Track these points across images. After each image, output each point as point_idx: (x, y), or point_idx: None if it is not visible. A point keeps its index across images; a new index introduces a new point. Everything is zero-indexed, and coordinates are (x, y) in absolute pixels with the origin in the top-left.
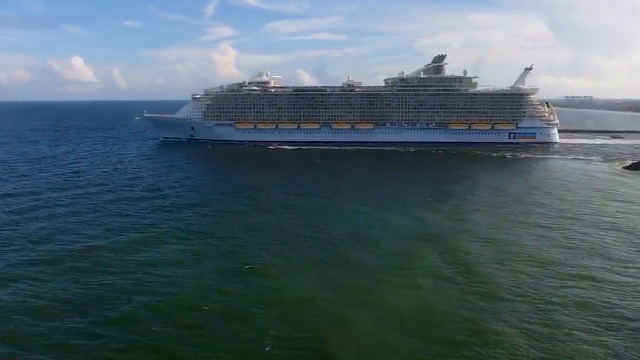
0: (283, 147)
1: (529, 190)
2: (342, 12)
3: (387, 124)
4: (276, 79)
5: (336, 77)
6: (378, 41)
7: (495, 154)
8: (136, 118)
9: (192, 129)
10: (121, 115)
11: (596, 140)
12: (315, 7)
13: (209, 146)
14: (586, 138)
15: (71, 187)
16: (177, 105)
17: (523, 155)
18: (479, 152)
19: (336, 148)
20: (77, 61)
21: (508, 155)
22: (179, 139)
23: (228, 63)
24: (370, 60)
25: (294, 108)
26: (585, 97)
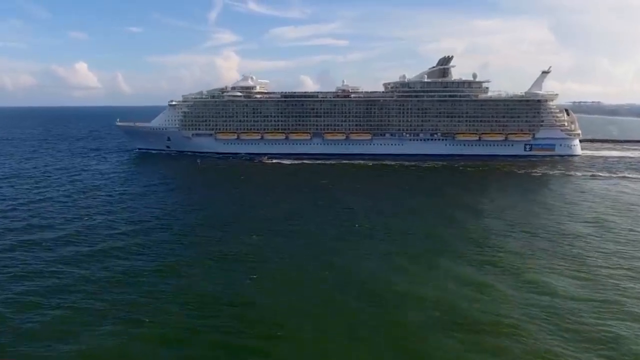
0: (278, 161)
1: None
2: (345, 18)
3: (387, 134)
4: (262, 84)
5: (341, 82)
6: (381, 47)
7: (534, 172)
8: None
9: (169, 139)
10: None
11: (626, 152)
12: (319, 13)
13: (199, 161)
14: (612, 149)
15: (10, 230)
16: None
17: (570, 172)
18: (514, 168)
19: (332, 161)
20: (81, 67)
21: (550, 172)
22: (159, 150)
23: (231, 69)
24: (374, 65)
25: (281, 116)
26: (593, 102)
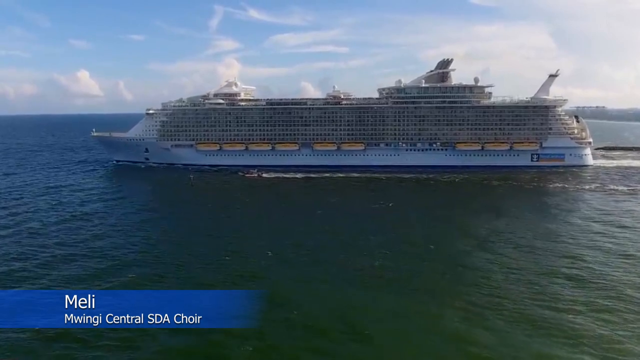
0: (275, 175)
1: None
2: (345, 25)
3: (381, 144)
4: (248, 90)
5: (341, 89)
6: (382, 53)
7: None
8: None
9: (146, 150)
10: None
11: None
12: (319, 20)
13: (191, 176)
14: (628, 158)
15: None
16: None
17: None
18: (544, 182)
19: (340, 174)
20: (83, 75)
21: (587, 185)
22: (139, 162)
23: (233, 76)
24: (375, 71)
25: (267, 125)
26: (597, 107)
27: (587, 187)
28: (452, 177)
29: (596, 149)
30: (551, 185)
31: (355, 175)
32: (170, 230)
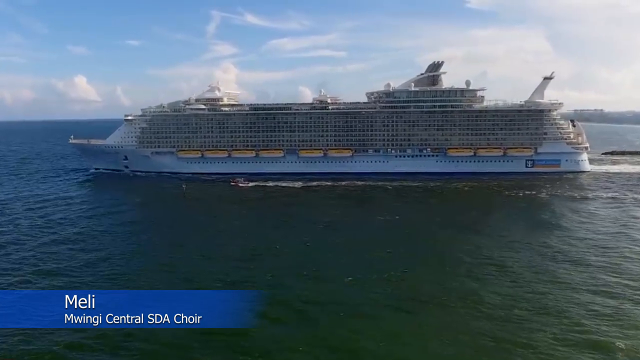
0: (264, 183)
1: None
2: (343, 29)
3: (370, 150)
4: (232, 95)
5: (339, 93)
6: (380, 57)
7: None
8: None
9: (125, 158)
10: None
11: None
12: (317, 24)
13: (183, 185)
14: (625, 163)
15: None
16: None
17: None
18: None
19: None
20: (80, 80)
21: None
22: (114, 170)
23: (230, 81)
24: (373, 76)
25: (250, 131)
26: (595, 110)
27: (609, 195)
28: (460, 186)
29: (603, 154)
30: (573, 194)
31: (359, 183)
32: (166, 254)
